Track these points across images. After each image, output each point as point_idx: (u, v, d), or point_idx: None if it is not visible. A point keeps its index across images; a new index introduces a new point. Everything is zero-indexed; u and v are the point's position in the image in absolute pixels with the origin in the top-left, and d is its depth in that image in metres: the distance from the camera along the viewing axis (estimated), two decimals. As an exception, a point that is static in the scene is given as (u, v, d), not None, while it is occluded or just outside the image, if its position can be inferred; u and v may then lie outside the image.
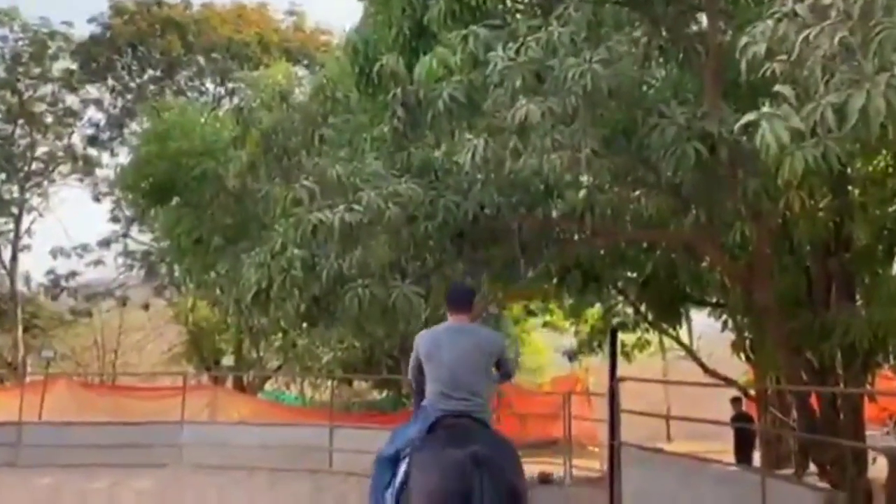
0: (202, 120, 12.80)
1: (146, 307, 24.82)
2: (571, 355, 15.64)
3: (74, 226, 49.32)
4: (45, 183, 24.25)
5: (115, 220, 24.10)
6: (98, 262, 24.23)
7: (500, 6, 6.41)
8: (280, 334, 19.65)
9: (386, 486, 4.45)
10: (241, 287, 8.11)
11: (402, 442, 4.52)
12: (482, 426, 4.45)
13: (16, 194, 23.70)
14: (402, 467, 4.37)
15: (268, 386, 23.27)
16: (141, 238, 24.12)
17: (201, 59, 22.93)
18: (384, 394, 20.00)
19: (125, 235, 24.15)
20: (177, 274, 13.83)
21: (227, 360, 23.44)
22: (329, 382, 16.32)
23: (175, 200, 12.32)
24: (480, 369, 4.57)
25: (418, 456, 4.30)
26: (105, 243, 24.24)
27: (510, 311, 16.18)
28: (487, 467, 4.11)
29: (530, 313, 16.80)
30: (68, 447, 12.40)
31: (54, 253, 23.94)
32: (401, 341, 12.81)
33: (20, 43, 23.14)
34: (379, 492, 4.49)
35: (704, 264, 8.88)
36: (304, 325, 9.43)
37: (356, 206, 6.11)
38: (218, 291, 12.81)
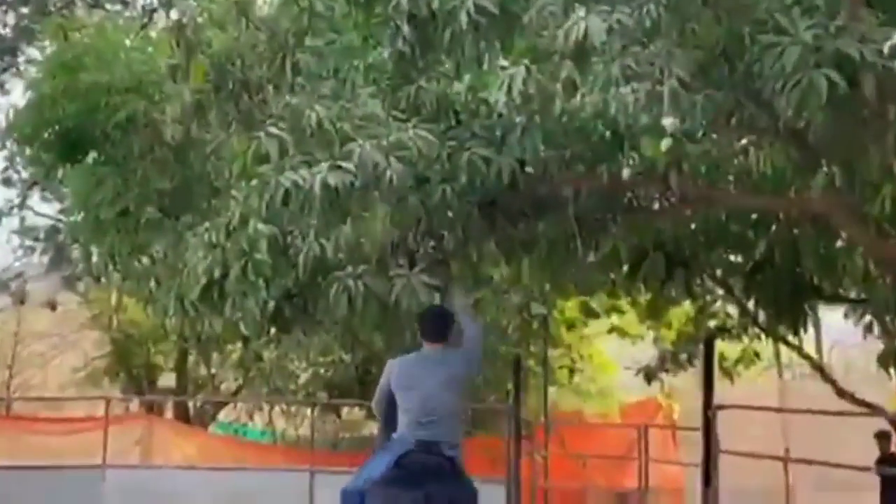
0: (127, 43, 12.79)
1: (52, 306, 25.05)
2: (649, 374, 15.60)
3: None
4: None
5: (6, 183, 24.29)
6: (-16, 243, 24.42)
7: None
8: (239, 343, 19.85)
9: None
10: (185, 277, 8.19)
11: (368, 474, 5.99)
12: (449, 464, 5.96)
13: None
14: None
15: (223, 415, 23.50)
16: (44, 209, 24.36)
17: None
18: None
19: (22, 206, 24.36)
20: (95, 259, 13.81)
21: (167, 380, 23.67)
22: (308, 411, 16.46)
23: (91, 157, 12.31)
24: (455, 397, 6.15)
25: (373, 494, 5.83)
26: (-6, 217, 24.47)
27: (562, 311, 16.18)
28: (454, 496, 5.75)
29: (591, 314, 16.73)
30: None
31: None
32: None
33: None
34: None
35: (840, 244, 8.81)
36: (273, 330, 9.51)
37: (344, 164, 6.12)
38: (153, 284, 12.83)
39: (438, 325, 6.35)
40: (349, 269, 6.65)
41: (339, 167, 6.10)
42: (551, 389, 16.47)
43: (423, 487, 5.69)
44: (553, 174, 6.89)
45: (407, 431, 5.99)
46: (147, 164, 11.74)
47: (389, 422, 6.20)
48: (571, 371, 18.05)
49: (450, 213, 6.84)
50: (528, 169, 6.77)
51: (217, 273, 7.09)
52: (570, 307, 16.41)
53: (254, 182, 6.45)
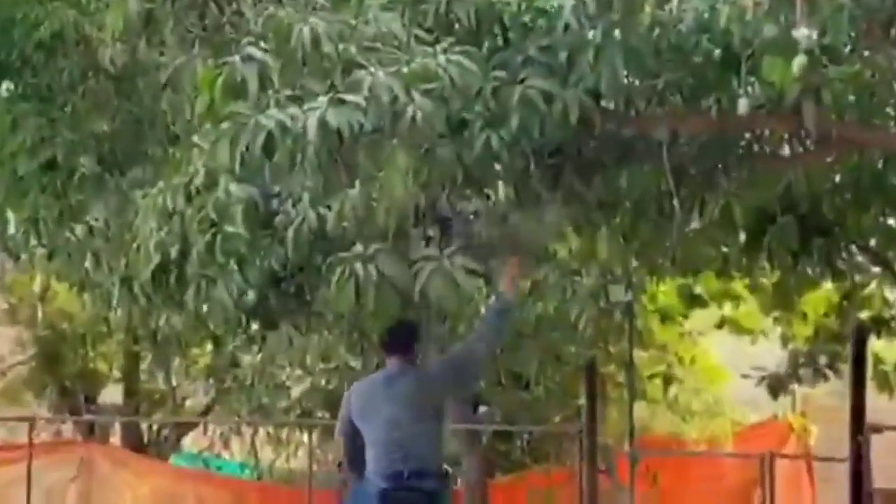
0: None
1: (-45, 293, 25.41)
2: (776, 384, 15.54)
3: None
4: None
5: None
6: None
7: None
8: (208, 344, 19.92)
9: None
10: (133, 253, 8.26)
11: None
12: (428, 500, 6.81)
13: None
14: None
15: (188, 443, 23.69)
16: (-58, 161, 24.51)
17: None
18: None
19: (-88, 156, 24.62)
20: (11, 230, 13.97)
21: (111, 395, 23.86)
22: (304, 436, 16.48)
23: (4, 88, 12.44)
24: (429, 418, 6.94)
25: None
26: None
27: (653, 298, 16.14)
28: None
29: (694, 302, 16.69)
30: None
31: None
32: (439, 354, 12.93)
33: None
34: None
35: None
36: (252, 326, 9.56)
37: (350, 97, 6.08)
38: (90, 262, 12.96)
39: (400, 337, 7.22)
40: (357, 247, 6.62)
41: (343, 102, 6.04)
42: (638, 406, 16.44)
43: None
44: (640, 110, 6.90)
45: (374, 472, 6.91)
46: (80, 99, 11.83)
47: (356, 462, 7.15)
48: (667, 380, 17.95)
49: (497, 168, 6.85)
50: (605, 102, 6.76)
51: (175, 250, 7.13)
52: (665, 293, 16.37)
53: (225, 124, 6.36)
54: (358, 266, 6.51)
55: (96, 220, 12.05)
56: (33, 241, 12.99)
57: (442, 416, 7.15)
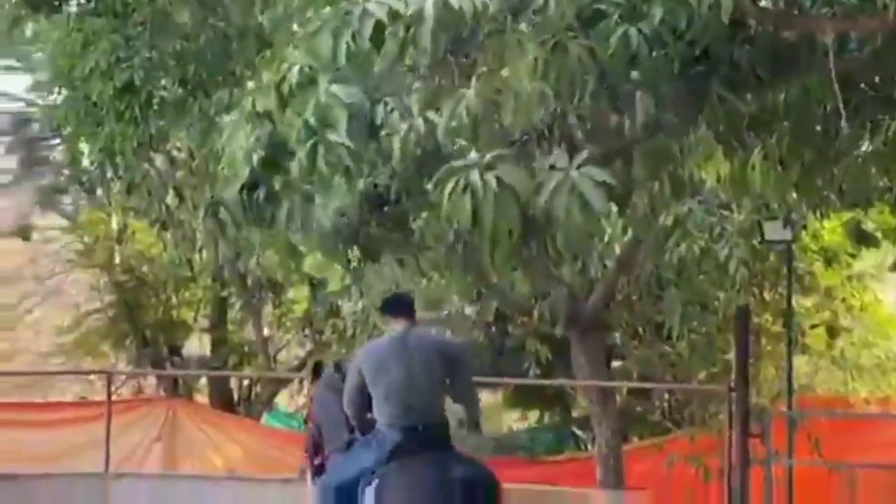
0: None
1: (25, 234, 25.87)
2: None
3: None
4: None
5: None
6: (-84, 139, 25.34)
7: None
8: (304, 284, 20.08)
9: None
10: (221, 172, 8.26)
11: (354, 471, 7.97)
12: (452, 449, 8.10)
13: None
14: (368, 497, 7.73)
15: (283, 400, 24.02)
16: (8, 85, 25.03)
17: None
18: (534, 419, 20.32)
19: (-29, 80, 25.15)
20: (86, 162, 14.19)
21: (196, 346, 24.22)
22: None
23: (76, 1, 12.57)
24: (437, 381, 8.14)
25: (391, 483, 7.71)
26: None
27: (815, 236, 15.95)
28: (472, 493, 7.76)
29: (864, 240, 16.45)
30: None
31: None
32: (570, 304, 12.91)
33: None
34: None
35: None
36: (355, 259, 9.56)
37: None
38: (172, 198, 13.14)
39: (401, 302, 8.47)
40: (473, 155, 6.51)
41: None
42: (798, 360, 16.28)
43: (446, 472, 7.79)
44: (804, 8, 6.79)
45: (387, 426, 7.95)
46: (159, 15, 11.92)
47: (361, 418, 8.33)
48: (831, 331, 17.85)
49: (634, 74, 6.72)
50: (764, 2, 6.74)
51: (266, 161, 7.09)
52: (831, 229, 16.17)
53: (326, 10, 6.35)
54: (474, 176, 6.36)
55: (178, 149, 12.24)
56: (109, 175, 13.24)
57: (441, 381, 8.21)
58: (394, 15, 6.01)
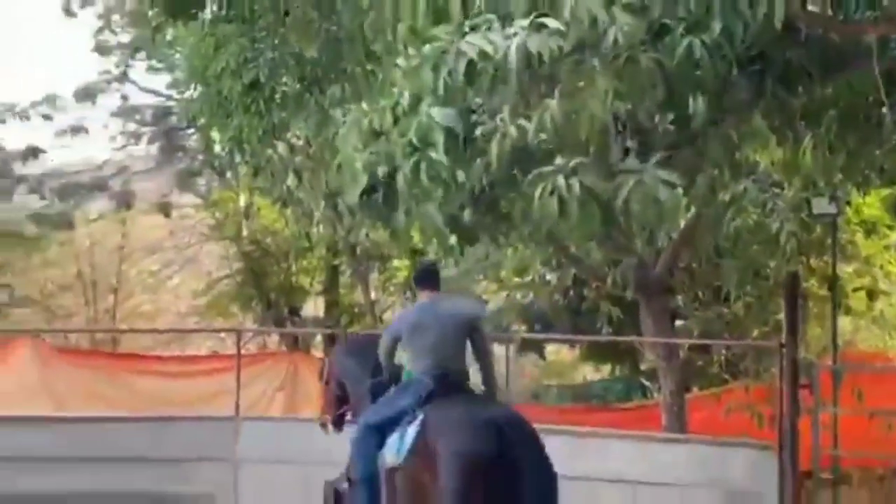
0: None
1: (166, 211, 26.19)
2: None
3: (33, 63, 51.14)
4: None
5: (102, 50, 25.19)
6: (77, 130, 25.57)
7: None
8: (404, 258, 20.23)
9: (371, 454, 8.35)
10: (338, 171, 8.57)
11: (392, 411, 8.38)
12: (476, 394, 8.56)
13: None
14: (412, 431, 8.07)
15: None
16: (152, 82, 25.23)
17: None
18: (606, 371, 20.48)
19: (122, 79, 25.28)
20: (217, 148, 14.49)
21: (313, 307, 24.40)
22: (501, 348, 16.73)
23: (210, 10, 12.83)
24: (461, 341, 8.55)
25: (438, 418, 8.03)
26: (87, 95, 25.38)
27: (858, 209, 15.98)
28: (518, 431, 7.92)
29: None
30: (36, 461, 13.55)
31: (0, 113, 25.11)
32: (638, 271, 13.05)
33: None
34: (365, 459, 8.42)
35: None
36: (454, 240, 9.85)
37: (550, 23, 6.21)
38: (291, 179, 13.36)
39: (430, 275, 8.74)
40: (557, 161, 6.78)
41: (543, 27, 6.18)
42: (842, 320, 16.27)
43: (488, 411, 8.14)
44: (851, 13, 6.80)
45: (423, 373, 8.41)
46: (281, 21, 12.14)
47: (391, 365, 8.83)
48: (871, 294, 17.77)
49: (697, 74, 6.80)
50: (812, 7, 6.80)
51: (381, 173, 7.38)
52: (870, 204, 16.16)
53: (427, 48, 6.58)
54: (560, 180, 6.66)
55: (297, 137, 12.50)
56: (238, 159, 13.56)
57: (464, 341, 8.67)
58: (483, 55, 6.22)
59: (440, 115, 7.07)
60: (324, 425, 9.72)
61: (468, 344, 8.74)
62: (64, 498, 13.30)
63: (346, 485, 8.83)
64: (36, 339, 18.32)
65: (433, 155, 7.15)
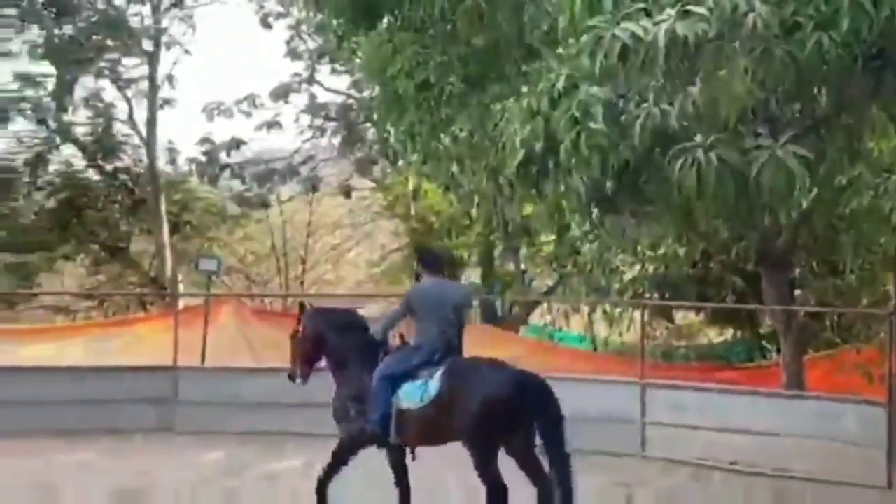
0: None
1: (347, 193, 26.62)
2: None
3: (236, 67, 52.31)
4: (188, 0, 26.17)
5: (294, 56, 25.67)
6: (272, 125, 25.92)
7: None
8: (551, 233, 20.17)
9: (387, 398, 8.77)
10: (500, 150, 8.42)
11: (404, 367, 8.78)
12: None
13: (148, 20, 25.79)
14: (435, 382, 8.48)
15: (535, 318, 24.19)
16: (335, 83, 25.65)
17: None
18: (729, 334, 19.95)
19: (311, 80, 25.72)
20: (391, 140, 14.52)
21: (471, 276, 24.60)
22: (636, 313, 16.49)
23: (386, 20, 12.79)
24: (459, 314, 8.99)
25: (460, 370, 8.52)
26: (281, 94, 25.76)
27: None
28: (533, 379, 8.52)
29: None
30: (244, 406, 13.84)
31: (209, 111, 25.50)
32: (761, 246, 12.63)
33: None
34: (382, 403, 8.81)
35: None
36: (596, 213, 9.58)
37: (696, 8, 6.04)
38: (455, 166, 13.29)
39: (437, 260, 9.31)
40: (697, 138, 6.53)
41: (689, 13, 6.03)
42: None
43: (505, 368, 8.59)
44: None
45: (433, 338, 8.79)
46: (449, 27, 12.08)
47: (388, 331, 9.27)
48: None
49: (825, 68, 6.63)
50: None
51: (539, 146, 7.22)
52: None
53: (584, 38, 6.46)
54: (700, 154, 6.53)
55: (461, 130, 12.43)
56: (409, 149, 13.56)
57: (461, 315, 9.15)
58: (635, 38, 6.08)
59: (599, 91, 7.02)
60: (292, 377, 9.71)
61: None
62: (279, 435, 13.51)
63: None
64: (239, 303, 18.63)
65: (592, 125, 7.03)
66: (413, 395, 8.72)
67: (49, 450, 12.90)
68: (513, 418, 8.43)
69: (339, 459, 9.33)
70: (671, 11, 6.05)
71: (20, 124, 25.04)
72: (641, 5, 6.30)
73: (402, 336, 9.40)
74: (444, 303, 8.95)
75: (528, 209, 15.76)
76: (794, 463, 12.04)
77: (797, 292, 16.16)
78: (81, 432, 13.63)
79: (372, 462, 9.34)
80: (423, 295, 9.08)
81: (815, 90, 7.00)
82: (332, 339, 9.54)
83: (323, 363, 9.69)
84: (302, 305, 10.13)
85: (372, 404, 8.96)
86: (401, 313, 9.30)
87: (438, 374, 8.58)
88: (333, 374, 9.55)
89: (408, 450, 9.06)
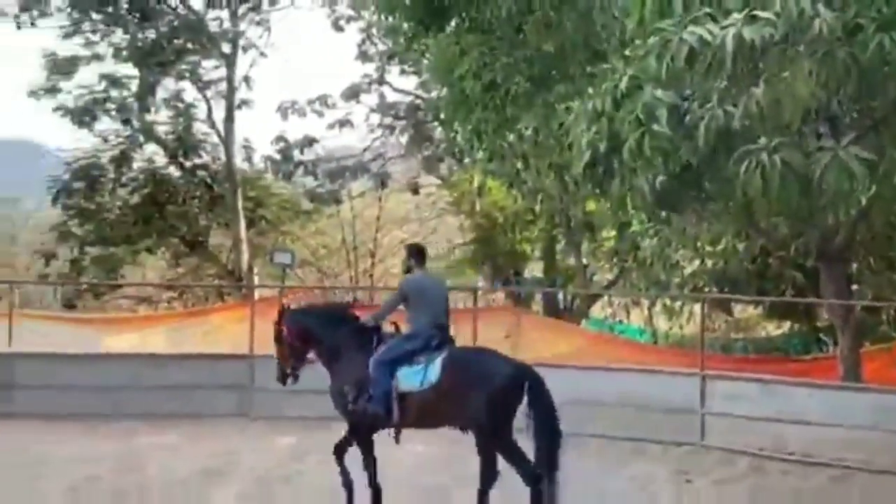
0: None
1: (414, 189, 26.71)
2: None
3: (309, 69, 52.97)
4: (265, 4, 26.36)
5: (364, 58, 25.80)
6: (344, 124, 26.08)
7: None
8: (613, 229, 20.09)
9: (386, 381, 9.01)
10: (566, 150, 8.39)
11: (401, 352, 9.06)
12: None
13: (226, 24, 26.06)
14: (436, 366, 8.81)
15: (596, 311, 24.08)
16: (404, 84, 25.75)
17: None
18: (786, 327, 19.74)
19: (380, 81, 25.85)
20: (458, 138, 14.53)
21: (533, 270, 24.58)
22: (695, 307, 16.39)
23: (454, 23, 12.79)
24: (448, 303, 9.44)
25: (462, 358, 8.98)
26: (352, 94, 25.94)
27: None
28: (525, 367, 8.89)
29: None
30: (318, 394, 13.86)
31: (283, 111, 25.82)
32: (820, 242, 12.47)
33: None
34: (382, 385, 9.03)
35: None
36: (658, 211, 9.50)
37: (762, 14, 5.97)
38: (520, 164, 13.27)
39: (423, 255, 9.66)
40: (760, 140, 6.46)
41: (756, 18, 5.97)
42: None
43: (491, 353, 9.13)
44: None
45: (427, 325, 9.11)
46: (516, 29, 12.05)
47: (382, 319, 9.54)
48: None
49: (886, 69, 6.52)
50: None
51: (603, 147, 7.17)
52: None
53: (651, 40, 6.43)
54: (764, 157, 6.44)
55: (526, 129, 12.40)
56: (475, 147, 13.58)
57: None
58: (703, 42, 6.03)
59: (664, 94, 6.92)
60: (281, 379, 9.91)
61: None
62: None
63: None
64: (310, 294, 18.69)
65: (656, 127, 6.95)
66: (412, 379, 8.98)
67: (132, 433, 13.15)
68: (513, 406, 8.71)
69: (357, 440, 9.52)
70: (738, 16, 5.99)
71: (105, 124, 25.59)
72: (708, 10, 6.24)
73: (396, 324, 9.55)
74: (437, 293, 9.41)
75: (591, 205, 15.73)
76: (849, 454, 11.88)
77: (854, 287, 15.96)
78: (162, 416, 13.87)
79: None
80: (418, 285, 9.39)
81: (879, 91, 6.77)
82: (320, 333, 9.68)
83: (311, 356, 9.84)
84: (282, 307, 10.24)
85: (373, 388, 9.14)
86: (396, 302, 9.53)
87: (439, 360, 8.89)
88: (327, 367, 9.69)
89: (392, 432, 9.28)
